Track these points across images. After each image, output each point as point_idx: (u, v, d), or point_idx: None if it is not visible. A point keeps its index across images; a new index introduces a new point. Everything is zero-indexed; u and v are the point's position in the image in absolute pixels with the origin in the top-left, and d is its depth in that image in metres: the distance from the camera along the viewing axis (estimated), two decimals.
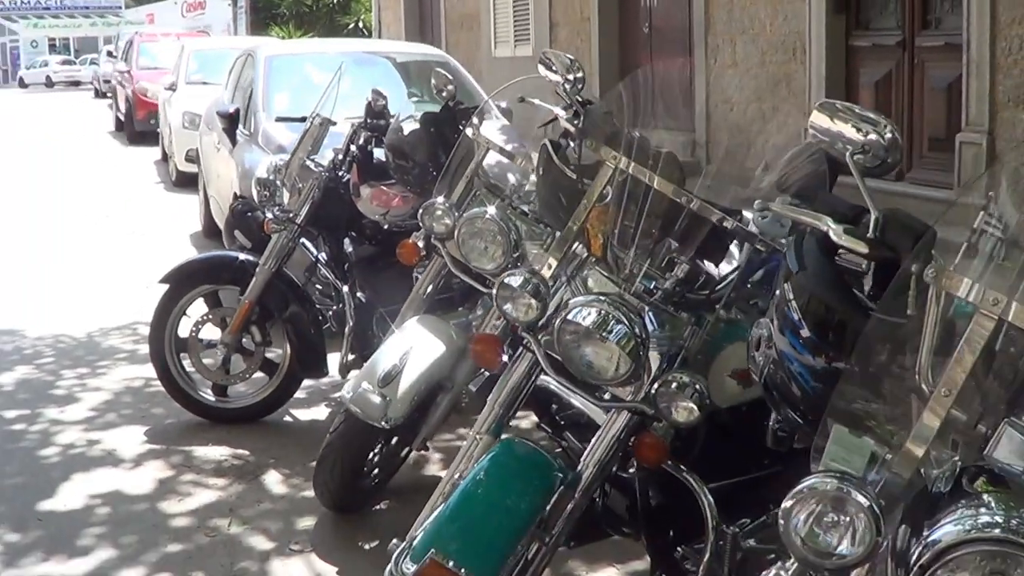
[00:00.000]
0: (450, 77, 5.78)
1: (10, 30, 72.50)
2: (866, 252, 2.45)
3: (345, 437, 4.87)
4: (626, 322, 3.26)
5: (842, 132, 2.67)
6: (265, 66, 10.19)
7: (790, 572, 2.16)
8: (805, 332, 2.48)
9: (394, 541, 3.41)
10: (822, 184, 3.05)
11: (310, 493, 5.27)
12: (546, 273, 3.65)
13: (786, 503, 2.04)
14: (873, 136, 2.64)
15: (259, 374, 6.46)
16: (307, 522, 5.17)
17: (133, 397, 6.98)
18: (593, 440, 3.53)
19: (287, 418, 6.50)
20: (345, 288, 6.09)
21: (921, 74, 11.17)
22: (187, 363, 6.43)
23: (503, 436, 3.76)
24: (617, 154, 3.53)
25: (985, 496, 1.96)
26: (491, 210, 4.55)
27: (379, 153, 6.02)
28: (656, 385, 3.31)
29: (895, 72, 11.45)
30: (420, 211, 4.97)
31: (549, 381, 3.83)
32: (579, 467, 3.50)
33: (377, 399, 4.59)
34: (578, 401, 3.76)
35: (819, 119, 2.75)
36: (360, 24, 32.42)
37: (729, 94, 13.50)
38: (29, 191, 16.34)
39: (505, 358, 3.90)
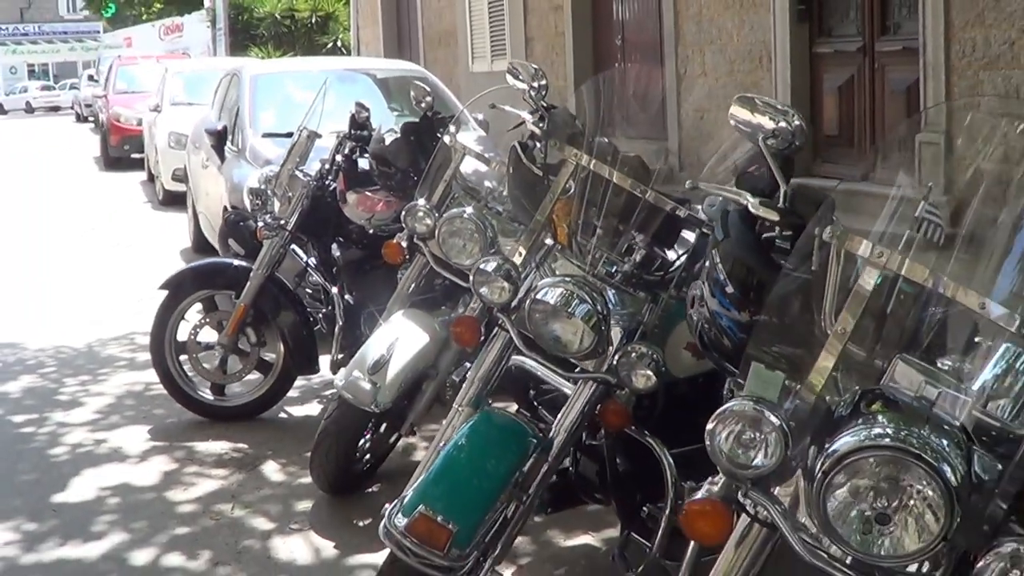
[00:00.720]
0: (428, 89, 6.19)
1: None
2: (777, 219, 2.87)
3: (339, 422, 5.25)
4: (589, 300, 3.68)
5: (760, 123, 3.08)
6: (251, 85, 10.60)
7: (719, 484, 2.54)
8: (730, 289, 2.90)
9: (386, 505, 3.79)
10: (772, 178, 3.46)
11: (307, 480, 5.64)
12: (517, 260, 4.05)
13: (710, 424, 2.44)
14: (783, 124, 3.06)
15: (255, 373, 6.85)
16: (305, 504, 5.55)
17: (135, 400, 7.36)
18: (563, 409, 3.93)
19: (282, 414, 6.87)
20: (334, 290, 6.46)
21: (882, 78, 11.60)
22: (186, 365, 6.81)
23: (483, 408, 4.16)
24: (578, 152, 3.94)
25: (880, 416, 2.35)
26: (469, 210, 4.96)
27: (363, 162, 6.40)
28: (617, 356, 3.71)
29: (857, 77, 11.87)
30: (403, 213, 5.35)
31: (525, 361, 4.22)
32: (551, 434, 3.90)
33: (367, 385, 4.98)
34: (548, 375, 4.13)
35: (739, 111, 3.17)
36: (339, 43, 32.65)
37: (700, 103, 13.92)
38: (17, 214, 16.71)
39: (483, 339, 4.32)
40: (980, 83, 10.19)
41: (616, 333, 3.82)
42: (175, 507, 5.62)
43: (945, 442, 2.27)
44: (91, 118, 35.56)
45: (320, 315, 6.77)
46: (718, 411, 2.42)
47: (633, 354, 3.68)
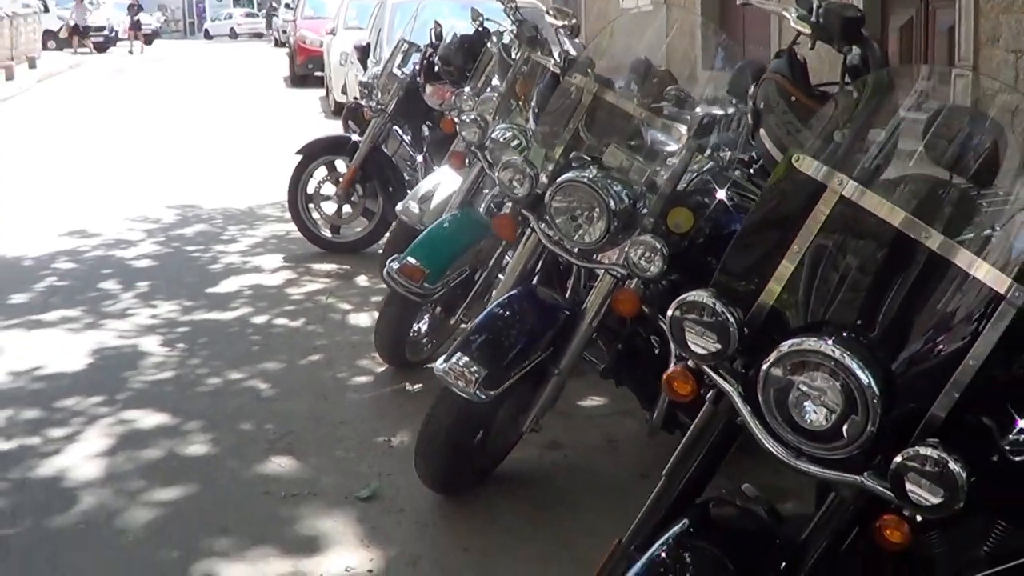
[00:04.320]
0: (481, 12, 8.36)
1: None
2: (558, 72, 5.07)
3: (397, 236, 7.53)
4: (521, 139, 5.88)
5: (557, 22, 5.29)
6: (391, 10, 13.02)
7: (507, 209, 4.72)
8: (537, 112, 5.12)
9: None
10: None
11: (384, 286, 7.95)
12: (488, 116, 6.29)
13: (497, 170, 4.64)
14: (568, 22, 5.27)
15: (361, 219, 9.25)
16: (377, 298, 7.84)
17: (277, 240, 9.90)
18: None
19: (379, 250, 9.17)
20: (419, 158, 8.77)
21: (933, 20, 13.36)
22: (313, 211, 9.24)
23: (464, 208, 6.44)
24: (529, 48, 6.16)
25: (590, 167, 4.49)
26: (496, 95, 7.17)
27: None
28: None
29: (915, 18, 13.65)
30: (453, 98, 7.59)
31: None
32: None
33: (416, 209, 7.21)
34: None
35: (549, 18, 5.36)
36: None
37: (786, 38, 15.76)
38: (213, 117, 19.60)
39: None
40: (999, 25, 11.95)
41: None
42: (288, 296, 8.07)
43: (619, 187, 4.40)
44: (286, 44, 38.50)
45: (412, 181, 9.05)
46: (502, 162, 4.63)
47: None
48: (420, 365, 6.40)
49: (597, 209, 4.33)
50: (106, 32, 46.67)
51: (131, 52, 46.35)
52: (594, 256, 4.51)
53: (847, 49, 3.57)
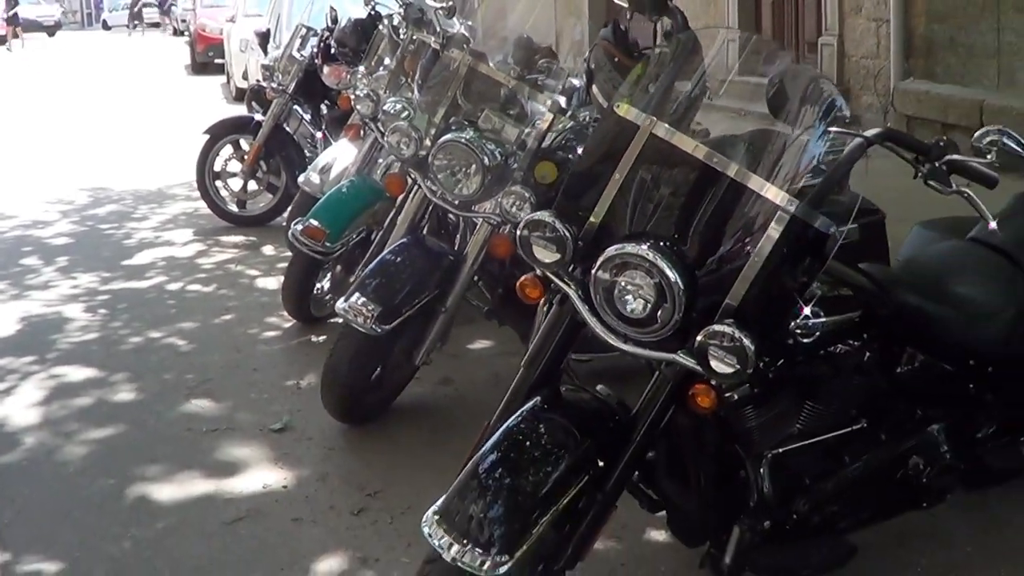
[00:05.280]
0: None
1: None
2: (438, 48, 5.71)
3: (300, 205, 8.10)
4: (411, 110, 6.48)
5: (432, 3, 5.93)
6: None
7: (396, 170, 5.35)
8: (420, 82, 5.74)
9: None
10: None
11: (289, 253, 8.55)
12: (381, 91, 6.89)
13: (386, 134, 5.27)
14: (445, 4, 5.91)
15: (266, 193, 9.81)
16: (283, 264, 8.43)
17: (186, 216, 10.46)
18: None
19: (284, 222, 9.75)
20: (319, 134, 9.35)
21: None
22: (220, 187, 9.79)
23: (361, 175, 7.04)
24: (414, 28, 6.76)
25: (468, 131, 5.11)
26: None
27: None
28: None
29: None
30: (349, 77, 8.18)
31: None
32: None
33: (317, 180, 7.80)
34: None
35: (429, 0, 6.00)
36: None
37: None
38: (119, 105, 20.02)
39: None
40: None
41: None
42: (200, 266, 8.65)
43: (493, 146, 5.03)
44: (186, 32, 38.75)
45: (313, 155, 9.61)
46: (391, 127, 5.26)
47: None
48: (324, 319, 7.00)
49: (474, 165, 4.98)
50: None
51: (9, 49, 42.27)
52: (472, 207, 5.16)
53: (656, 17, 4.24)
